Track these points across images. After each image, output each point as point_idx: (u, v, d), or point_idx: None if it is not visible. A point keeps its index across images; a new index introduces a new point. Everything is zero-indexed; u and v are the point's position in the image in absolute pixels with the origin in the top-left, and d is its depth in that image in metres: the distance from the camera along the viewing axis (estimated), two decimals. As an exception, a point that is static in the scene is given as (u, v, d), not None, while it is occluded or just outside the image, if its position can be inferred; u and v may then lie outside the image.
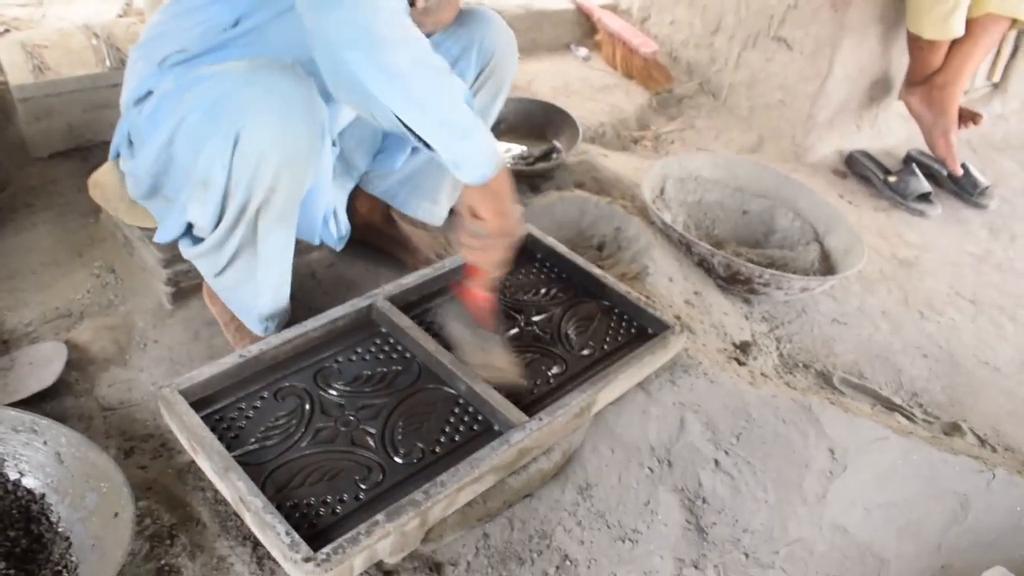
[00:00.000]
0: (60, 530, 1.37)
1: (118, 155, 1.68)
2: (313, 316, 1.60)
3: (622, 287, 1.78)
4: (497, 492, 1.47)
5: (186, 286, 1.85)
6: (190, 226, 1.51)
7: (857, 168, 2.97)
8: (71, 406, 1.65)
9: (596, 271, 1.81)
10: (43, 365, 1.69)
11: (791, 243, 2.37)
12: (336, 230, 1.76)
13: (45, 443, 1.42)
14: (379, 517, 1.24)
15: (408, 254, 2.01)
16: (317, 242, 1.73)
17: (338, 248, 1.81)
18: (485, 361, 1.54)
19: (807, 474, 1.62)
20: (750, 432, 1.66)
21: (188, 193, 1.43)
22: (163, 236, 1.56)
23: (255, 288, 1.56)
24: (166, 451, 1.57)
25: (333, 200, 1.72)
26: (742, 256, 2.25)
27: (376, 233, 2.04)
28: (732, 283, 2.10)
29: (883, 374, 2.09)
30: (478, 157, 1.36)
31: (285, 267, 1.57)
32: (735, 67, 3.07)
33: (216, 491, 1.42)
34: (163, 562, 1.35)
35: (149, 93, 1.50)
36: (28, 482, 1.41)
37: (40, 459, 1.42)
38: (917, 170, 2.88)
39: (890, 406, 1.95)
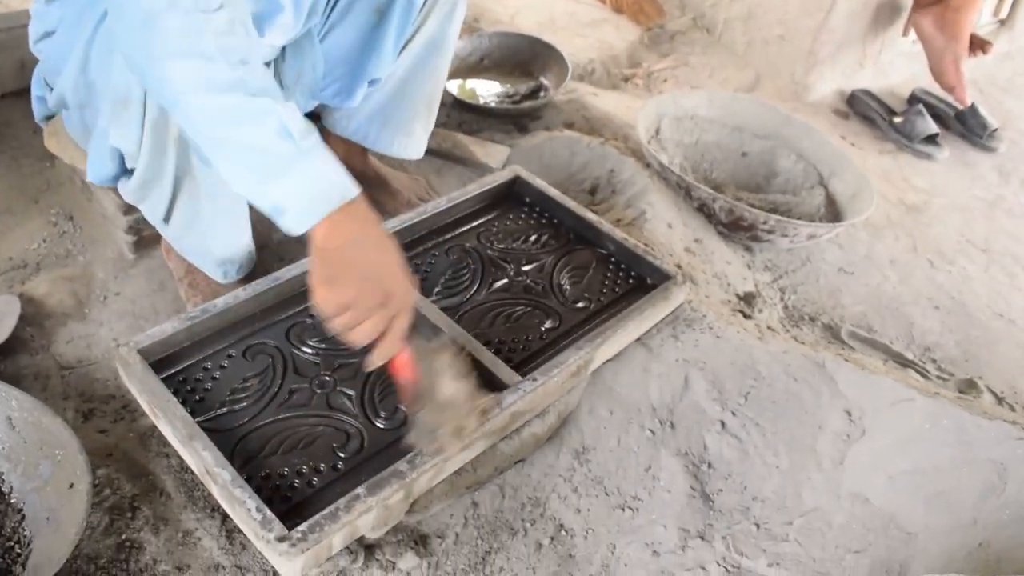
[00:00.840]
0: (12, 501, 1.25)
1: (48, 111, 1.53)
2: (286, 266, 1.46)
3: (619, 233, 1.65)
4: (487, 459, 1.36)
5: (148, 234, 1.71)
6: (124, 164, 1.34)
7: (860, 108, 2.83)
8: (26, 364, 1.52)
9: (591, 216, 1.68)
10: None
11: (794, 187, 2.25)
12: None
13: (-8, 407, 1.30)
14: (360, 490, 1.13)
15: (388, 197, 1.87)
16: None
17: None
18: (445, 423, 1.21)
19: (821, 437, 1.51)
20: (759, 391, 1.56)
21: (109, 116, 1.25)
22: (94, 173, 1.37)
23: (205, 226, 1.42)
24: (128, 413, 1.45)
25: None
26: (743, 201, 2.13)
27: (354, 178, 1.88)
28: (734, 230, 1.98)
29: (893, 327, 1.99)
30: (298, 199, 1.05)
31: (235, 198, 1.40)
32: (731, 0, 2.90)
33: (182, 458, 1.31)
34: (124, 536, 1.24)
35: (50, 32, 1.37)
36: (-25, 450, 1.30)
37: (-12, 425, 1.30)
38: (924, 111, 2.75)
39: (902, 362, 1.84)
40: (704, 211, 1.99)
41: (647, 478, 1.47)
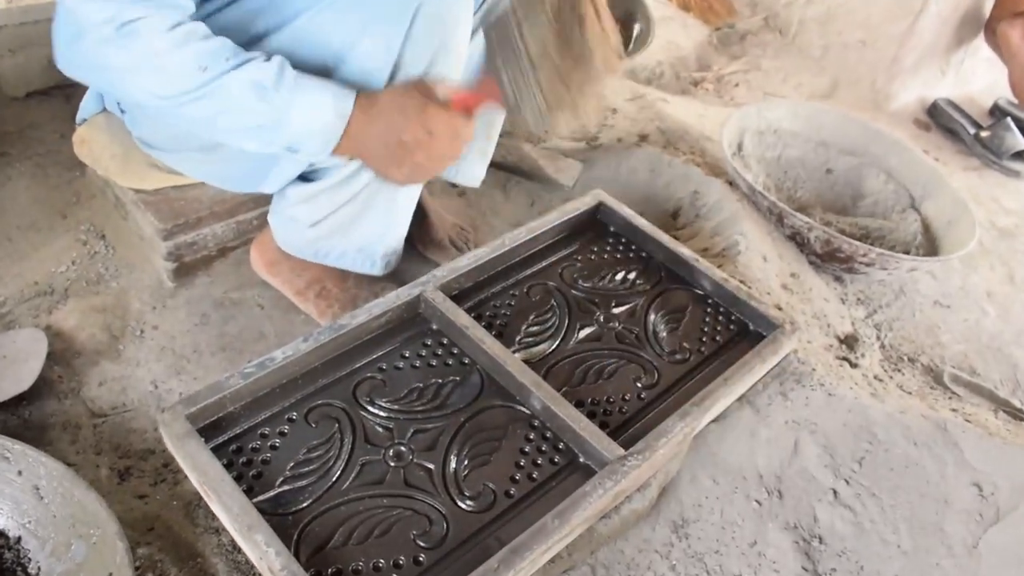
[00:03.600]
0: (39, 585, 1.09)
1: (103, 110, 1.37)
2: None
3: (718, 273, 1.47)
4: (583, 542, 1.19)
5: (190, 260, 1.54)
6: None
7: (942, 119, 2.63)
8: (54, 412, 1.36)
9: (685, 252, 1.50)
10: (19, 360, 1.39)
11: (884, 210, 2.06)
12: None
13: (20, 473, 1.14)
14: (448, 596, 0.96)
15: (421, 232, 1.68)
16: None
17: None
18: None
19: (949, 514, 1.33)
20: (875, 457, 1.38)
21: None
22: (272, 186, 1.34)
23: (370, 219, 1.37)
24: (170, 474, 1.28)
25: None
26: (832, 226, 1.95)
27: None
28: (828, 261, 1.79)
29: (997, 369, 1.81)
30: (306, 138, 1.10)
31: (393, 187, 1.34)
32: (808, 1, 2.70)
33: (233, 537, 1.14)
34: (167, 631, 1.08)
35: None
36: (0, 521, 1.13)
37: (14, 493, 1.14)
38: (1012, 124, 2.55)
39: (1012, 412, 1.66)
40: (796, 239, 1.80)
41: (752, 554, 1.30)
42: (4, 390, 1.33)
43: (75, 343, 1.45)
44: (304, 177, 1.32)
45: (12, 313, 1.49)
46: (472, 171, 1.63)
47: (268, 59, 1.08)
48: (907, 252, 1.93)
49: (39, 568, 1.10)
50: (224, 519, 1.03)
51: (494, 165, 1.83)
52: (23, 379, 1.35)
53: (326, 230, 1.37)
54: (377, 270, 1.47)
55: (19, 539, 1.12)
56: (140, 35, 1.03)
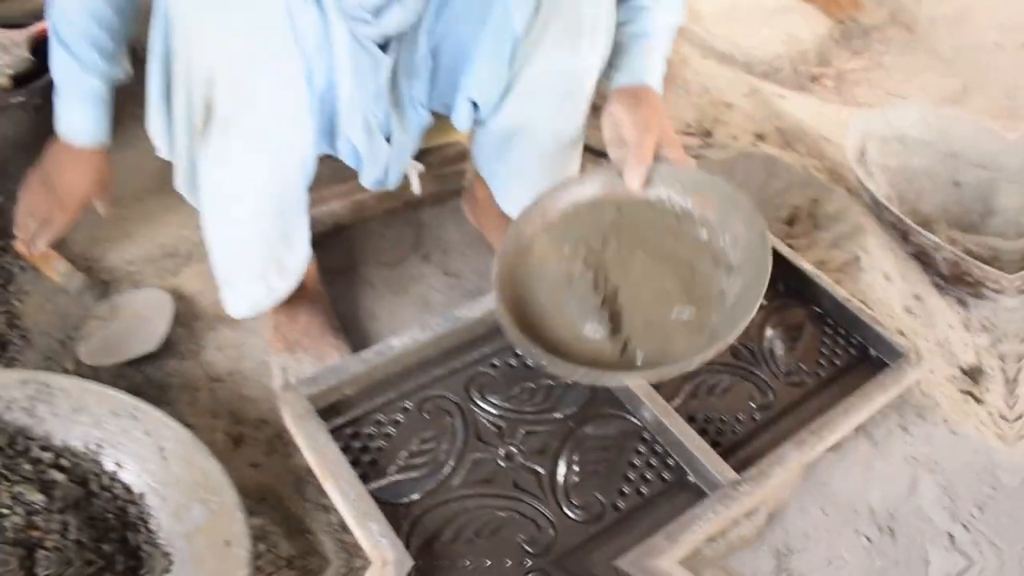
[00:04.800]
0: (160, 542, 1.14)
1: None
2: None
3: (840, 292, 1.42)
4: (688, 563, 1.17)
5: (320, 229, 1.57)
6: None
7: (1082, 134, 2.49)
8: (174, 371, 1.41)
9: (807, 267, 1.46)
10: (147, 320, 1.44)
11: (1017, 229, 1.95)
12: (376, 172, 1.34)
13: (147, 434, 1.18)
14: (555, 608, 0.97)
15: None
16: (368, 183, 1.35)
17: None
18: None
19: (1073, 570, 1.28)
20: (996, 503, 1.33)
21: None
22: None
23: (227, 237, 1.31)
24: (282, 446, 1.31)
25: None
26: (958, 244, 1.86)
27: (489, 225, 1.61)
28: (954, 284, 1.72)
29: None
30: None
31: (223, 195, 1.24)
32: (941, -3, 2.59)
33: (342, 517, 1.16)
34: (275, 604, 1.11)
35: None
36: (126, 476, 1.18)
37: (141, 452, 1.18)
38: None
39: None
40: (921, 258, 1.74)
41: (856, 591, 1.27)
42: (133, 348, 1.39)
43: (196, 306, 1.49)
44: None
45: (140, 272, 1.54)
46: None
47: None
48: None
49: (160, 525, 1.14)
50: (339, 503, 1.06)
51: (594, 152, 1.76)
52: (151, 338, 1.40)
53: None
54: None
55: (143, 496, 1.17)
56: None
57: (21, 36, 1.59)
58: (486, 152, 1.44)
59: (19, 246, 1.36)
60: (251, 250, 1.29)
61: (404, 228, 1.69)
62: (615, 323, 1.14)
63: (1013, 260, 1.85)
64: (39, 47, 1.60)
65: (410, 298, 1.56)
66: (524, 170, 1.42)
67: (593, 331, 1.13)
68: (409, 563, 0.98)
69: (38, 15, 1.63)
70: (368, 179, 1.32)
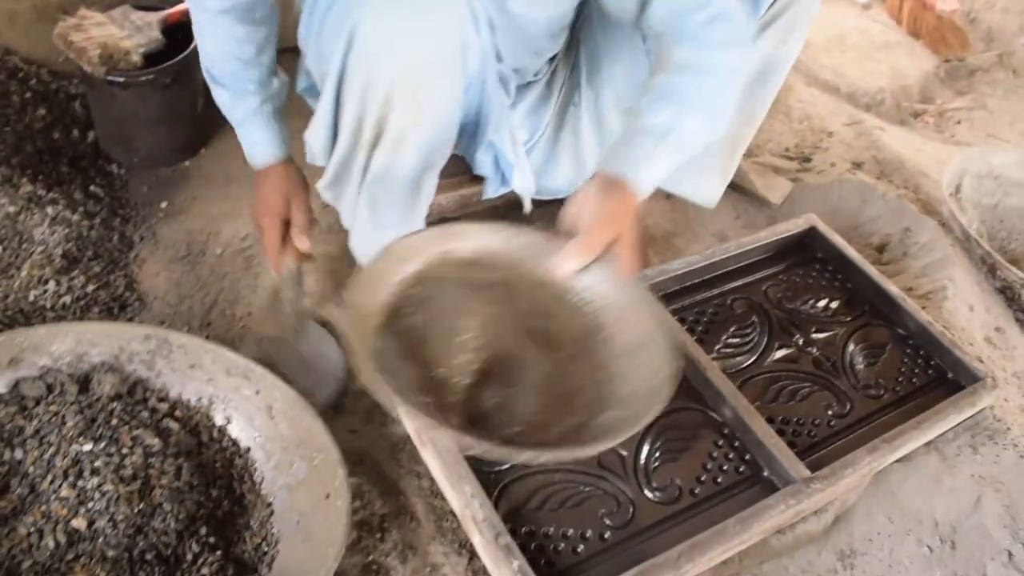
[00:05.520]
0: (263, 493, 1.23)
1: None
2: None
3: (924, 315, 1.46)
4: (755, 551, 1.23)
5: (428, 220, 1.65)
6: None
7: None
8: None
9: (893, 289, 1.50)
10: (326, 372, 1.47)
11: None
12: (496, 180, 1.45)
13: (257, 392, 1.28)
14: (630, 575, 1.03)
15: None
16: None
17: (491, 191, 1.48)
18: None
19: None
20: (1059, 527, 1.35)
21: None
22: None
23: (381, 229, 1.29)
24: (379, 415, 1.40)
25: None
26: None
27: None
28: (1037, 320, 1.74)
29: None
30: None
31: (389, 220, 1.28)
32: (1051, 42, 2.59)
33: (433, 481, 1.24)
34: (371, 558, 1.19)
35: None
36: (234, 431, 1.28)
37: (249, 409, 1.28)
38: None
39: None
40: (1006, 293, 1.76)
41: (915, 599, 1.31)
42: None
43: (304, 284, 1.59)
44: None
45: (252, 248, 1.64)
46: (709, 190, 1.56)
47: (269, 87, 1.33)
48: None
49: (264, 477, 1.24)
50: (434, 467, 1.14)
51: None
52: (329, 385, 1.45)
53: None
54: None
55: (248, 449, 1.26)
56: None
57: (154, 18, 1.70)
58: None
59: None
60: None
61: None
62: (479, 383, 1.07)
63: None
64: (170, 29, 1.71)
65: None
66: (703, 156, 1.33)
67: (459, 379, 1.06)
68: (498, 523, 1.05)
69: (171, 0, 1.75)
70: (494, 190, 1.46)
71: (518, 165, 1.42)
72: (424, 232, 1.19)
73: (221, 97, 1.32)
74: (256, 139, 1.34)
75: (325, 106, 1.19)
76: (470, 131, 1.32)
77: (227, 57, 1.28)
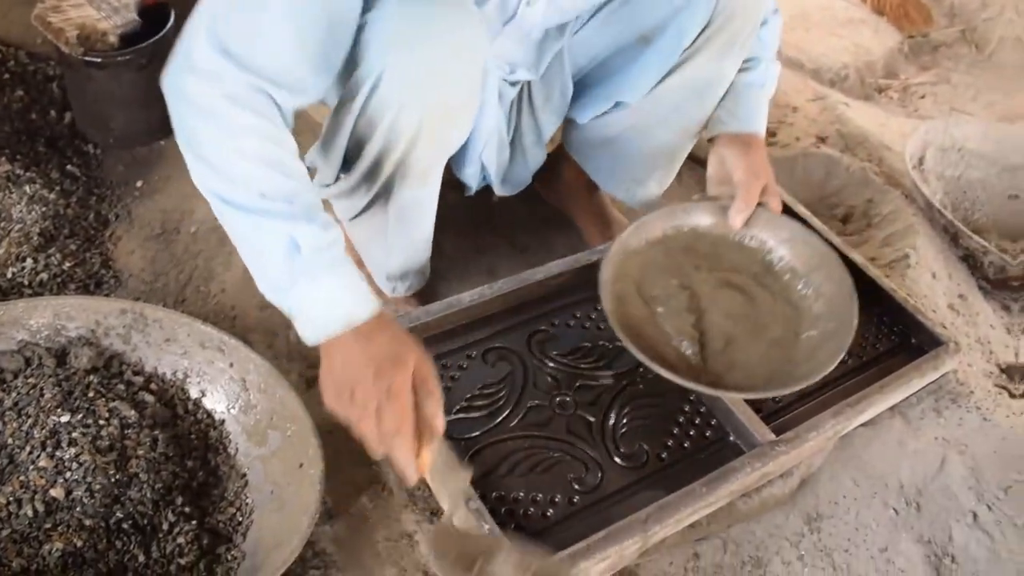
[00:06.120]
0: (237, 464, 1.25)
1: None
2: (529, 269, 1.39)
3: (886, 282, 1.49)
4: (723, 514, 1.26)
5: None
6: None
7: None
8: (257, 318, 1.51)
9: (857, 259, 1.52)
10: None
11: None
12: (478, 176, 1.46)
13: (231, 365, 1.29)
14: (599, 537, 1.06)
15: (601, 240, 1.66)
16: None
17: (470, 191, 1.50)
18: None
19: (1092, 556, 1.34)
20: (1022, 487, 1.39)
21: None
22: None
23: (387, 246, 1.37)
24: (351, 388, 1.41)
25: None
26: (1008, 253, 1.91)
27: (576, 204, 1.71)
28: (1000, 288, 1.78)
29: None
30: (304, 315, 1.00)
31: (422, 230, 1.37)
32: (1013, 16, 2.61)
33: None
34: (344, 526, 1.21)
35: None
36: (209, 404, 1.29)
37: (224, 382, 1.29)
38: None
39: None
40: (969, 262, 1.79)
41: (881, 560, 1.34)
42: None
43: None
44: None
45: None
46: (645, 196, 1.61)
47: (328, 227, 1.00)
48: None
49: (237, 449, 1.25)
50: (407, 435, 1.15)
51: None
52: None
53: (359, 233, 1.42)
54: (385, 289, 1.47)
55: (223, 421, 1.28)
56: (231, 121, 0.98)
57: (131, 0, 1.70)
58: (592, 140, 1.55)
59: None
60: (425, 254, 1.44)
61: (478, 206, 1.79)
62: (702, 344, 1.29)
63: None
64: (147, 10, 1.71)
65: (479, 265, 1.65)
66: (636, 159, 1.54)
67: (684, 347, 1.27)
68: (468, 488, 1.07)
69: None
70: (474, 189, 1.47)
71: (503, 176, 1.46)
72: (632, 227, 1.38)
73: (275, 238, 0.98)
74: (348, 283, 1.01)
75: (339, 140, 1.19)
76: (462, 149, 1.33)
77: (262, 168, 0.99)
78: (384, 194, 1.26)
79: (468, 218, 1.72)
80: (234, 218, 1.00)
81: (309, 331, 1.01)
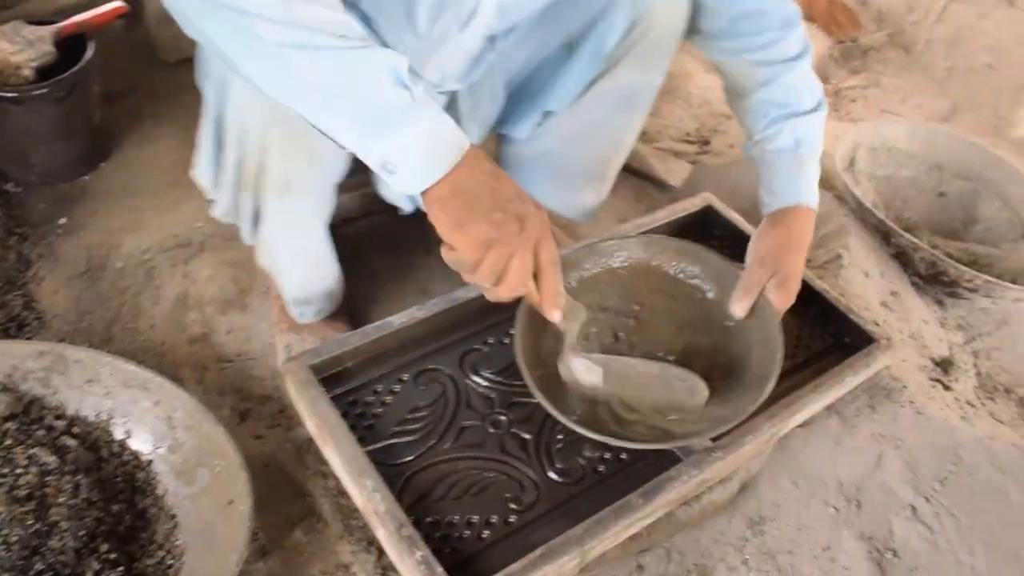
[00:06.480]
0: (165, 505, 1.21)
1: None
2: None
3: (819, 284, 1.50)
4: (663, 524, 1.25)
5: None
6: None
7: (1067, 151, 2.57)
8: (186, 353, 1.48)
9: (788, 261, 1.53)
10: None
11: (996, 238, 2.04)
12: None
13: (157, 403, 1.26)
14: (535, 556, 1.04)
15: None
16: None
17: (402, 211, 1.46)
18: None
19: (1028, 542, 1.35)
20: (958, 478, 1.40)
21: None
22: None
23: (281, 267, 1.37)
24: (285, 419, 1.39)
25: None
26: (939, 249, 1.94)
27: None
28: (931, 283, 1.80)
29: (1098, 409, 1.78)
30: (414, 154, 0.92)
31: (311, 247, 1.34)
32: (937, 20, 2.67)
33: (339, 480, 1.23)
34: (278, 562, 1.18)
35: None
36: (135, 444, 1.26)
37: (149, 421, 1.26)
38: None
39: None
40: (901, 259, 1.81)
41: (825, 559, 1.34)
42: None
43: (207, 292, 1.57)
44: None
45: (153, 260, 1.62)
46: (580, 207, 1.59)
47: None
48: (1015, 282, 1.91)
49: (167, 489, 1.22)
50: (336, 464, 1.13)
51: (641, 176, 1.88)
52: None
53: (260, 253, 1.39)
54: (294, 315, 1.47)
55: (150, 462, 1.24)
56: None
57: (47, 31, 1.66)
58: (527, 155, 1.53)
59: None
60: (324, 276, 1.41)
61: (410, 225, 1.77)
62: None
63: (988, 264, 1.92)
64: (64, 42, 1.68)
65: (411, 285, 1.64)
66: (569, 171, 1.52)
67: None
68: (401, 515, 1.05)
69: (64, 13, 1.72)
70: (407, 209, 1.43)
71: None
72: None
73: (391, 73, 0.90)
74: (440, 112, 0.95)
75: (206, 144, 1.19)
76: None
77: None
78: (261, 208, 1.25)
79: (400, 239, 1.71)
80: (320, 63, 0.88)
81: (420, 172, 0.93)
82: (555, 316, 1.08)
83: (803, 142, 1.29)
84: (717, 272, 1.31)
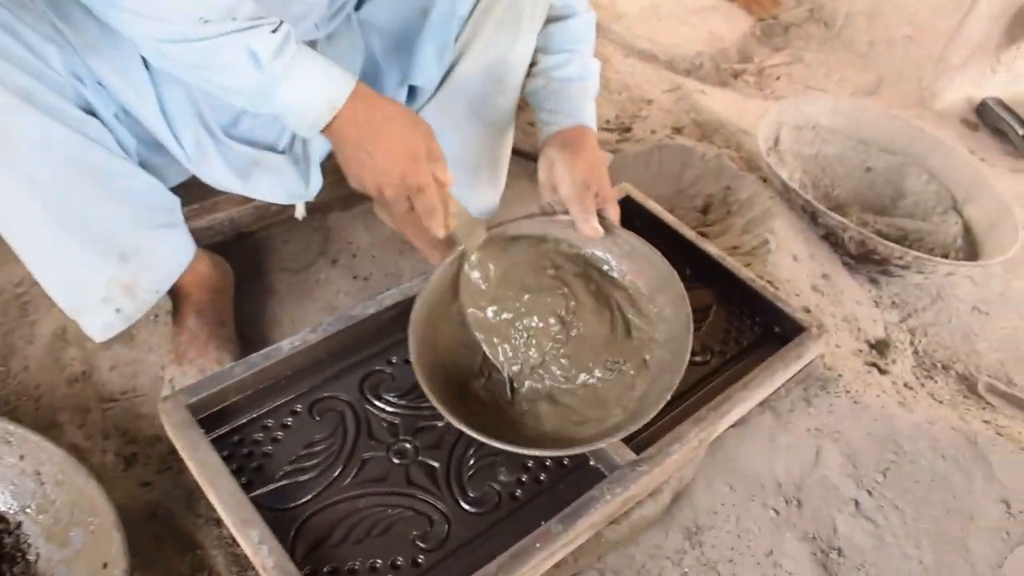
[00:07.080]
0: (38, 572, 1.08)
1: None
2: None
3: (745, 272, 1.42)
4: (590, 547, 1.15)
5: (207, 245, 1.53)
6: None
7: (990, 119, 2.54)
8: (64, 395, 1.35)
9: (712, 250, 1.45)
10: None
11: (924, 211, 1.98)
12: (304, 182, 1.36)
13: (22, 458, 1.13)
14: (445, 601, 0.94)
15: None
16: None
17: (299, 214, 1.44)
18: None
19: (974, 531, 1.28)
20: (900, 468, 1.33)
21: None
22: None
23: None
24: (175, 462, 1.26)
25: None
26: (869, 226, 1.88)
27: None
28: (863, 262, 1.73)
29: (1034, 380, 1.73)
30: (291, 115, 1.03)
31: (44, 216, 1.13)
32: (855, -8, 2.63)
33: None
34: (165, 625, 1.06)
35: None
36: (0, 506, 1.12)
37: (16, 478, 1.13)
38: (1064, 124, 2.45)
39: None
40: (830, 240, 1.74)
41: (768, 564, 1.25)
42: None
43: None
44: None
45: (27, 293, 1.48)
46: (481, 197, 1.52)
47: (276, 28, 0.97)
48: (946, 255, 1.86)
49: (38, 554, 1.09)
50: (220, 512, 1.01)
51: (520, 154, 1.80)
52: None
53: None
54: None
55: (19, 524, 1.11)
56: None
57: None
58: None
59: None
60: (82, 279, 1.21)
61: (311, 233, 1.66)
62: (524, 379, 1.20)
63: (919, 239, 1.87)
64: None
65: (316, 303, 1.52)
66: (456, 163, 1.39)
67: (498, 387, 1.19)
68: (292, 569, 0.94)
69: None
70: (284, 196, 1.34)
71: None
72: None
73: (249, 57, 0.97)
74: (316, 65, 1.01)
75: None
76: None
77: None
78: None
79: (301, 250, 1.59)
80: (188, 55, 0.96)
81: (304, 128, 1.04)
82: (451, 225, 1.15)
83: (587, 77, 1.36)
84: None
